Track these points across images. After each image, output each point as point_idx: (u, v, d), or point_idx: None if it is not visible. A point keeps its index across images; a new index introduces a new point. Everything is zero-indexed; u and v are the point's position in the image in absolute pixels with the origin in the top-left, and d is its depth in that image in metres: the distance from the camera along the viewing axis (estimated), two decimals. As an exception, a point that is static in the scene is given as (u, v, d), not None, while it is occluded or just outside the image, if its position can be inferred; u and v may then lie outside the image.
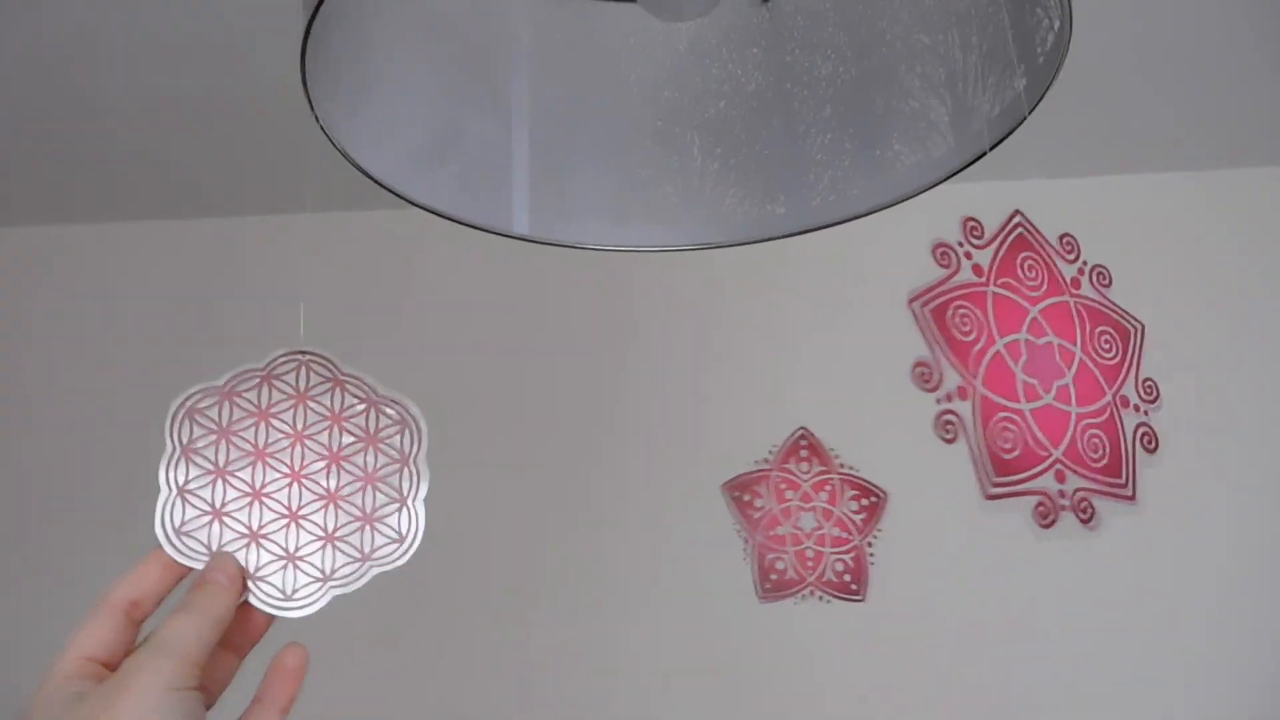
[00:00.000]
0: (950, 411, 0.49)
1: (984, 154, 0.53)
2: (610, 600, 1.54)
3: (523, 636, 1.54)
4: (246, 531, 0.48)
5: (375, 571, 0.51)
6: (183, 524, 0.47)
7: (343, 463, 0.51)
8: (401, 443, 0.53)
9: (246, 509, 0.48)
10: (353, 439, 0.51)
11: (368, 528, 0.51)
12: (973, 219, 0.50)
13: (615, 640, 1.53)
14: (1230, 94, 1.45)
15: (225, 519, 0.48)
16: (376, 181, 0.57)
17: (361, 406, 0.52)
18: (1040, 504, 0.47)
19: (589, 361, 1.63)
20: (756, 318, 1.63)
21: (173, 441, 0.47)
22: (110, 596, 0.45)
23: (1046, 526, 0.46)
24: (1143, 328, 0.53)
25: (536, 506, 1.58)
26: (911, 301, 0.49)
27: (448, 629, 1.54)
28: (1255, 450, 1.56)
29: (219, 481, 0.48)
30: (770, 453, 1.53)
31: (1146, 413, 0.51)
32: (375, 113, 0.58)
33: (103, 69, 1.31)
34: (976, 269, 0.50)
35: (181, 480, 0.47)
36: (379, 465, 0.52)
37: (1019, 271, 0.49)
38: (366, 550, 0.51)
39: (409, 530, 0.52)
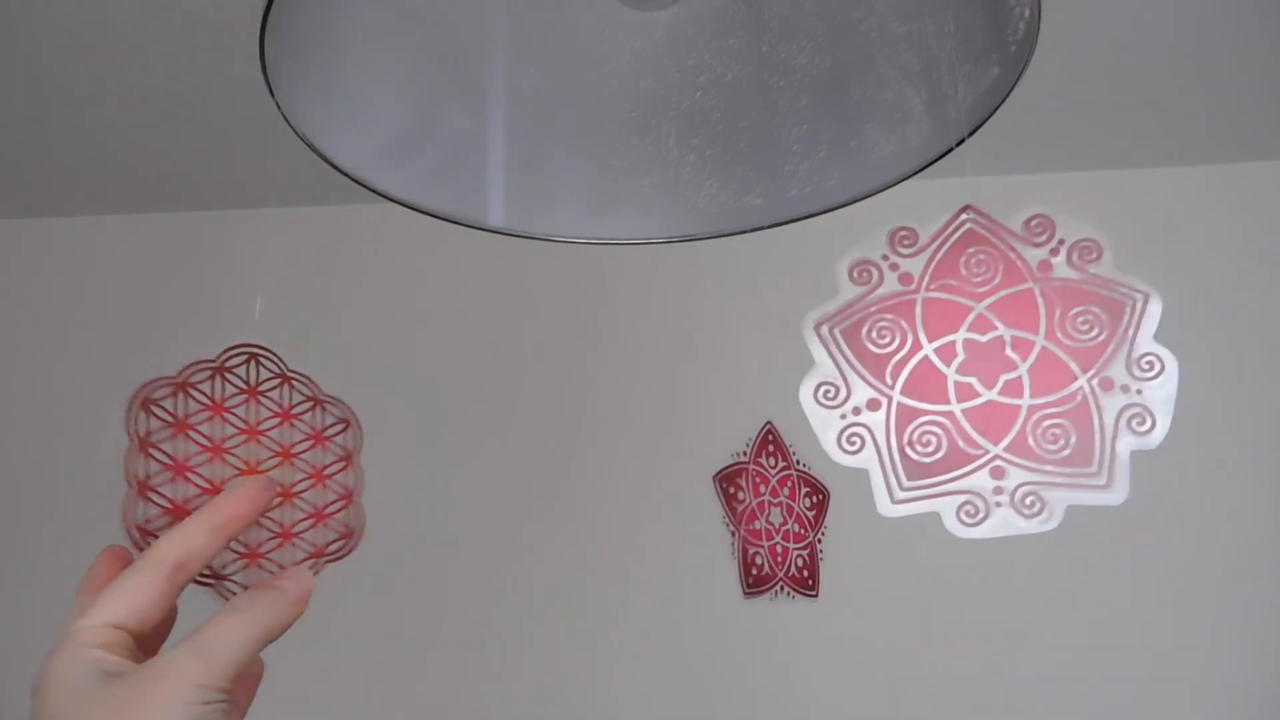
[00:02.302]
0: (857, 424, 0.49)
1: (958, 144, 0.52)
2: (593, 597, 1.54)
3: (505, 630, 1.53)
4: None
5: (325, 565, 0.51)
6: (146, 521, 0.46)
7: (294, 459, 0.50)
8: (345, 440, 0.53)
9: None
10: (302, 435, 0.51)
11: (320, 524, 0.51)
12: (905, 228, 0.49)
13: (597, 637, 1.53)
14: (1212, 90, 1.44)
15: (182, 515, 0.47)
16: (344, 173, 0.56)
17: (308, 404, 0.52)
18: (966, 503, 0.47)
19: (563, 353, 1.62)
20: (731, 309, 1.62)
21: (130, 434, 0.47)
22: (158, 553, 0.40)
23: (974, 524, 0.46)
24: (1146, 297, 0.51)
25: (514, 500, 1.57)
26: (819, 326, 0.49)
27: (425, 624, 1.53)
28: (1266, 431, 1.53)
29: (179, 477, 0.47)
30: (747, 445, 1.52)
31: (1140, 391, 0.49)
32: (343, 101, 0.58)
33: (68, 62, 1.30)
34: (905, 278, 0.49)
35: (141, 475, 0.47)
36: (328, 462, 0.51)
37: (962, 270, 0.49)
38: (319, 545, 0.51)
39: (356, 525, 0.52)
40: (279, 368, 0.52)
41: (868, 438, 0.47)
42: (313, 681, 1.48)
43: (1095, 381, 0.48)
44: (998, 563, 1.47)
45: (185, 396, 0.49)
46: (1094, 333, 0.49)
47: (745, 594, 1.48)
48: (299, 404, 0.51)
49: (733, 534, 1.50)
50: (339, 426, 0.52)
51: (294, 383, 0.52)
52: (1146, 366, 0.48)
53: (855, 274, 0.48)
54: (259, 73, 0.49)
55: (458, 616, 1.54)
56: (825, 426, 0.46)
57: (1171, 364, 0.47)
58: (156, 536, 0.46)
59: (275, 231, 1.65)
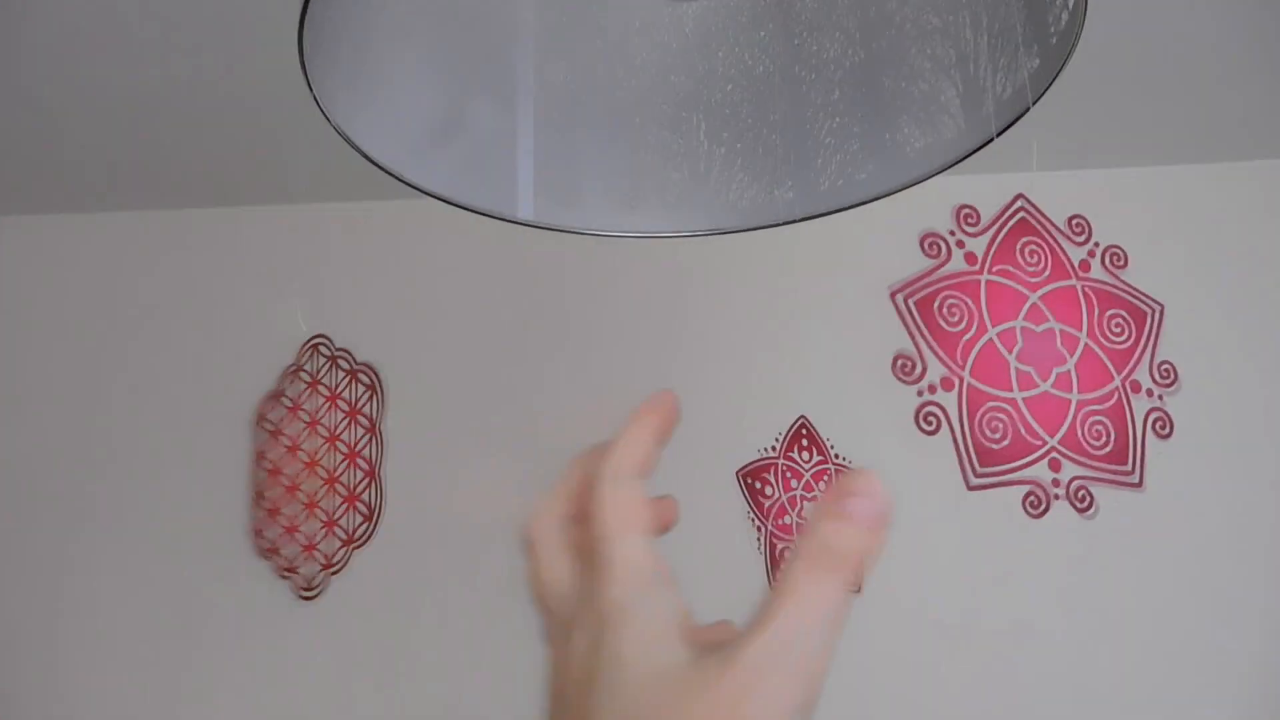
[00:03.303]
0: (933, 403, 0.48)
1: (994, 137, 0.52)
2: None
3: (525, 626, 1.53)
4: (289, 528, 0.49)
5: (354, 552, 0.51)
6: (253, 523, 0.47)
7: (336, 441, 0.51)
8: (372, 410, 0.53)
9: (289, 504, 0.48)
10: (341, 414, 0.52)
11: (350, 509, 0.51)
12: (968, 206, 0.49)
13: None
14: (1239, 88, 1.42)
15: (278, 514, 0.48)
16: (378, 165, 0.56)
17: (346, 379, 0.53)
18: (1030, 493, 0.47)
19: (588, 346, 1.62)
20: (761, 304, 1.62)
21: (251, 450, 0.48)
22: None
23: (1037, 516, 0.45)
24: (1161, 309, 0.51)
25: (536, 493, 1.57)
26: (894, 294, 0.48)
27: (450, 617, 1.53)
28: (1276, 437, 1.53)
29: (272, 479, 0.48)
30: (776, 440, 1.51)
31: (1161, 397, 0.49)
32: (377, 95, 0.58)
33: (99, 60, 1.30)
34: (970, 257, 0.49)
35: (256, 485, 0.48)
36: (358, 438, 0.52)
37: (1018, 257, 0.48)
38: (350, 531, 0.51)
39: (375, 505, 0.52)
40: (330, 350, 0.52)
41: (942, 418, 0.47)
42: (323, 671, 1.49)
43: (1127, 383, 0.48)
44: (1046, 553, 1.46)
45: (279, 404, 0.50)
46: (1124, 336, 0.49)
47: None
48: (341, 380, 0.52)
49: (759, 529, 1.49)
50: (366, 394, 0.53)
51: (339, 360, 0.52)
52: (1164, 375, 0.48)
53: (926, 245, 0.48)
54: (290, 69, 0.49)
55: (473, 608, 1.54)
56: (903, 402, 0.46)
57: (1185, 374, 0.47)
58: (265, 539, 0.47)
59: (304, 226, 1.65)
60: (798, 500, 1.49)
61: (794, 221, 0.66)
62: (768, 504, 1.49)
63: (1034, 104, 0.49)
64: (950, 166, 0.60)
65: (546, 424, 1.60)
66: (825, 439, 1.51)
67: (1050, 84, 0.48)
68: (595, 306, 1.64)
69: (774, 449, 1.52)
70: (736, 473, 1.52)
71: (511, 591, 1.61)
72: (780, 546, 1.47)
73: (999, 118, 0.54)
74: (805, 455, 1.50)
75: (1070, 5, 0.46)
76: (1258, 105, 1.47)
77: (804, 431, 1.52)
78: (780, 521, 1.48)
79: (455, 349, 1.62)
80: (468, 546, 1.54)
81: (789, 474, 1.50)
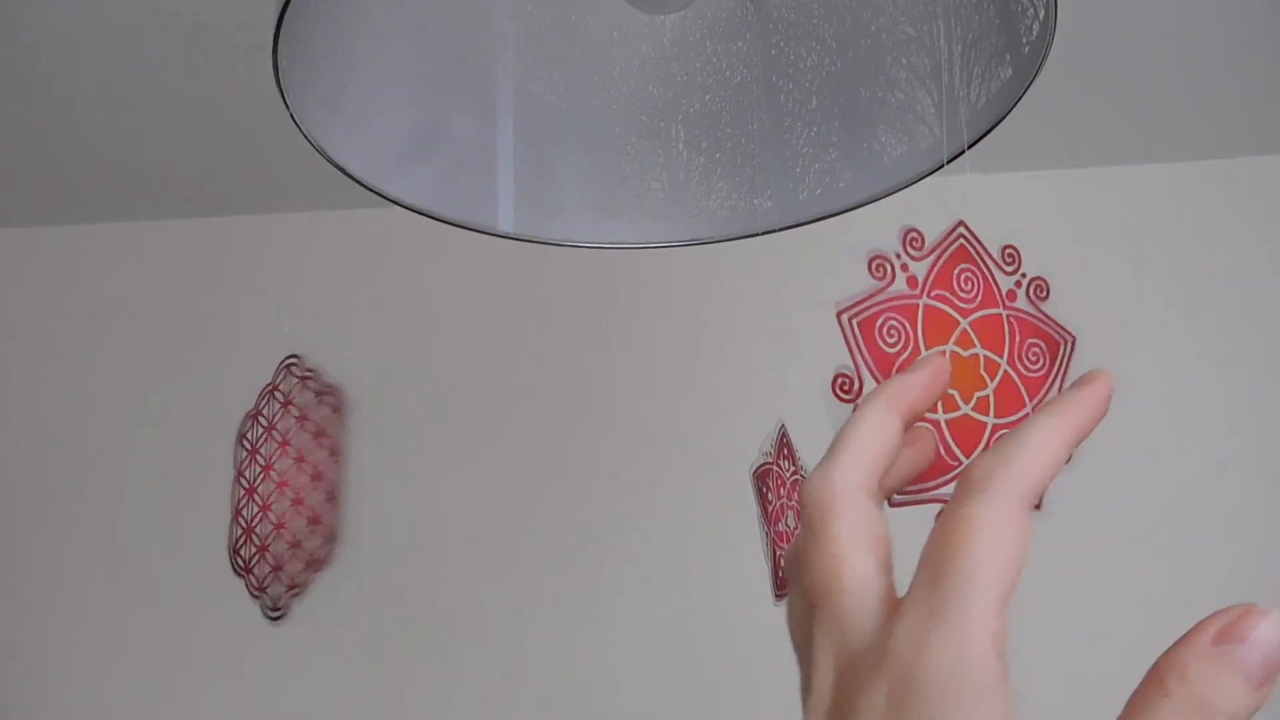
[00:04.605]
0: None
1: (970, 146, 0.52)
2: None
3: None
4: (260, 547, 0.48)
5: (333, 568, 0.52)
6: (235, 543, 0.47)
7: (304, 463, 0.51)
8: (336, 430, 0.53)
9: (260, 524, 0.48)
10: (310, 434, 0.52)
11: (314, 528, 0.51)
12: (914, 230, 0.50)
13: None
14: (1191, 86, 1.43)
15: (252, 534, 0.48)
16: (355, 180, 0.56)
17: (314, 399, 0.53)
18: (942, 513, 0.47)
19: (574, 355, 1.62)
20: (748, 310, 1.62)
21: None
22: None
23: None
24: (1073, 340, 0.53)
25: (540, 504, 1.57)
26: (840, 314, 0.49)
27: (455, 626, 1.53)
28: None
29: (250, 499, 0.48)
30: (772, 445, 1.51)
31: None
32: (354, 108, 0.58)
33: (80, 66, 1.30)
34: (911, 281, 0.50)
35: (234, 502, 0.47)
36: (320, 459, 0.52)
37: (954, 284, 0.50)
38: (315, 552, 0.51)
39: (334, 526, 0.52)
40: (300, 370, 0.52)
41: None
42: (319, 680, 1.48)
43: (1036, 409, 0.50)
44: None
45: (254, 423, 0.50)
46: (1039, 365, 0.51)
47: (776, 598, 1.46)
48: (310, 402, 0.52)
49: (765, 534, 1.49)
50: (334, 416, 0.53)
51: (308, 382, 0.52)
52: None
53: (874, 267, 0.48)
54: (269, 78, 0.49)
55: (462, 619, 1.54)
56: (841, 421, 0.46)
57: None
58: (241, 558, 0.47)
59: (284, 237, 1.65)
60: (785, 509, 1.48)
61: (773, 231, 0.67)
62: (770, 509, 1.48)
63: (1007, 114, 0.50)
64: (926, 175, 0.60)
65: (543, 431, 1.59)
66: (795, 447, 1.50)
67: (1023, 93, 0.49)
68: (576, 316, 1.64)
69: (769, 454, 1.51)
70: (752, 473, 1.51)
71: (505, 598, 1.60)
72: (779, 553, 1.47)
73: (974, 126, 0.55)
74: (786, 463, 1.50)
75: (1041, 16, 0.46)
76: (1234, 101, 1.48)
77: (785, 439, 1.51)
78: (776, 528, 1.47)
79: (446, 357, 1.61)
80: (454, 556, 1.53)
81: (778, 481, 1.50)
